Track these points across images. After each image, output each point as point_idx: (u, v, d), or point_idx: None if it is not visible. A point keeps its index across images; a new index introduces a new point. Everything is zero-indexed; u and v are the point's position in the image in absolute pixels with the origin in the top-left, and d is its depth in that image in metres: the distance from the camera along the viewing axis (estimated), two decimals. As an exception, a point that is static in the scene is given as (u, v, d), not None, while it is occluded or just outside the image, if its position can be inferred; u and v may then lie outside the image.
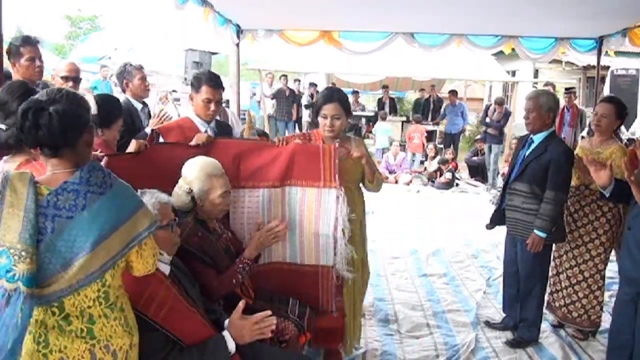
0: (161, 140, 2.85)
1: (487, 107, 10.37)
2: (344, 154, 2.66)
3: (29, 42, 3.04)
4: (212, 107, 2.83)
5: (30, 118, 1.48)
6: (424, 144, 10.86)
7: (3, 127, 1.97)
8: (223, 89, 2.92)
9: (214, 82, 2.84)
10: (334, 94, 2.84)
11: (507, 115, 9.78)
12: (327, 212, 2.55)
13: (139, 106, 3.80)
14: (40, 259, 1.44)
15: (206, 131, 2.87)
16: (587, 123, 7.64)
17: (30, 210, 1.44)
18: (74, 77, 3.41)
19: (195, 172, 2.31)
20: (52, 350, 1.46)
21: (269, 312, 1.96)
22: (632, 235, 2.51)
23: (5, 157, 2.01)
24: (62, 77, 3.36)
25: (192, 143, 2.61)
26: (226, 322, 2.03)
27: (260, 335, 1.93)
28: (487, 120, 9.87)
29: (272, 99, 11.54)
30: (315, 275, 2.62)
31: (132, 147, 2.54)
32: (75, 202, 1.49)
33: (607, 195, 2.58)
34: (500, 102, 10.00)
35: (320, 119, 2.83)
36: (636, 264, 2.45)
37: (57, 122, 1.48)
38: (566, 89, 8.80)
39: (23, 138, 1.53)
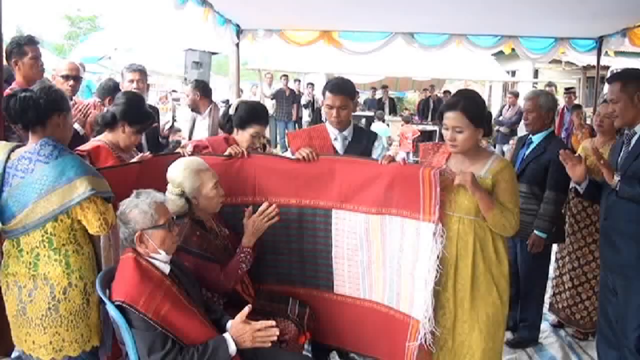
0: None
1: (502, 107, 10.33)
2: (447, 181, 2.25)
3: (33, 41, 3.05)
4: (334, 113, 2.76)
5: (12, 103, 2.02)
6: (414, 144, 10.85)
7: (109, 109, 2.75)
8: (350, 96, 2.79)
9: (335, 88, 2.77)
10: (340, 85, 2.77)
11: (520, 112, 9.75)
12: (425, 251, 2.22)
13: None
14: (4, 204, 2.00)
15: (335, 138, 2.83)
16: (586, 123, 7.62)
17: None
18: (75, 75, 3.42)
19: (182, 173, 2.31)
20: (9, 272, 2.05)
21: (273, 322, 1.94)
22: (610, 224, 2.54)
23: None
24: (62, 76, 3.36)
25: (226, 152, 2.64)
26: (228, 323, 2.03)
27: (261, 344, 1.91)
28: (500, 118, 9.79)
29: (272, 99, 11.54)
30: (405, 327, 2.33)
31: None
32: (27, 167, 1.99)
33: (582, 191, 2.61)
34: (514, 94, 9.92)
35: (326, 109, 2.80)
36: (618, 251, 2.47)
37: (25, 105, 2.00)
38: (566, 89, 8.81)
39: (9, 117, 2.05)
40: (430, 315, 2.20)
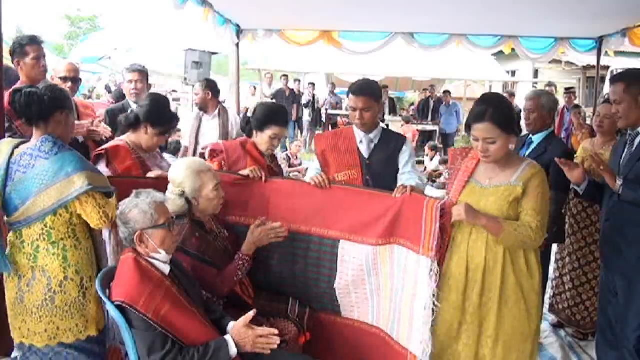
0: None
1: None
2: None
3: (36, 41, 3.04)
4: (357, 115, 2.69)
5: (17, 97, 2.11)
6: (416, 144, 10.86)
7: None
8: (373, 97, 2.71)
9: (357, 89, 2.71)
10: (363, 87, 2.70)
11: (517, 112, 9.74)
12: (423, 285, 2.20)
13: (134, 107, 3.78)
14: (8, 197, 2.10)
15: (361, 141, 2.78)
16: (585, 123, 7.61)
17: (2, 165, 2.09)
18: (73, 77, 3.39)
19: (183, 173, 2.31)
20: (14, 262, 2.12)
21: (275, 331, 1.94)
22: (611, 226, 2.55)
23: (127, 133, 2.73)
24: (60, 78, 3.34)
25: (245, 173, 2.62)
26: (229, 325, 2.02)
27: (261, 351, 1.91)
28: None
29: (272, 99, 11.55)
30: None
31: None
32: (28, 162, 2.09)
33: (581, 192, 2.61)
34: (510, 94, 9.94)
35: (350, 111, 2.75)
36: (619, 253, 2.48)
37: (30, 100, 2.09)
38: (566, 88, 8.81)
39: (14, 111, 2.18)
40: (429, 352, 2.18)
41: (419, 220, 2.22)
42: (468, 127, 2.25)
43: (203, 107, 4.66)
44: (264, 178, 2.61)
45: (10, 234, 2.16)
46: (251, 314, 1.95)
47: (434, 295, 2.16)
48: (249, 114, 2.91)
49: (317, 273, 2.56)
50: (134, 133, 2.70)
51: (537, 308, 2.23)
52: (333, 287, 2.52)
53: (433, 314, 2.17)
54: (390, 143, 2.78)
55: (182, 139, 7.22)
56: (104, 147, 2.67)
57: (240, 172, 2.65)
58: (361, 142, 2.78)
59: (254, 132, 2.87)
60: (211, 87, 4.66)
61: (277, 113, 2.86)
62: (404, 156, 2.75)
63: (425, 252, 2.19)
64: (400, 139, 2.82)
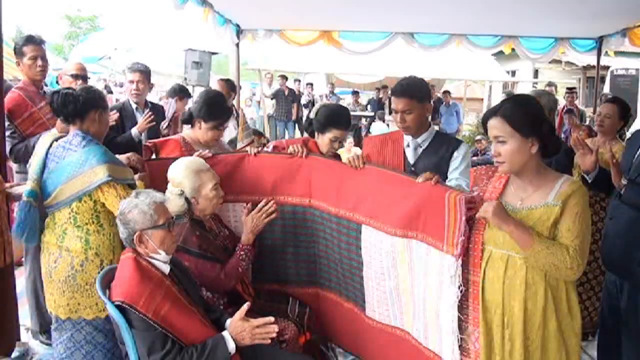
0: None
1: None
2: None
3: (32, 41, 3.07)
4: (398, 118, 2.50)
5: (55, 97, 2.35)
6: None
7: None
8: (416, 98, 2.46)
9: (397, 89, 2.51)
10: (404, 87, 2.47)
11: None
12: (447, 288, 1.99)
13: (134, 106, 3.79)
14: (44, 184, 2.35)
15: (408, 145, 2.57)
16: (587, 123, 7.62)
17: (41, 155, 2.38)
18: (83, 75, 3.48)
19: (182, 172, 2.32)
20: (45, 240, 2.39)
21: (271, 319, 1.93)
22: (615, 224, 2.51)
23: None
24: (71, 75, 3.40)
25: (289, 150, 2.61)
26: (227, 321, 2.03)
27: (260, 341, 1.90)
28: None
29: (271, 99, 11.54)
30: None
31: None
32: (61, 154, 2.34)
33: (590, 180, 2.59)
34: (507, 94, 9.95)
35: (393, 113, 2.57)
36: (623, 252, 2.45)
37: (66, 100, 2.31)
38: (568, 88, 8.80)
39: (52, 110, 2.42)
40: None
41: (441, 213, 2.00)
42: (485, 129, 2.01)
43: None
44: (304, 154, 2.56)
45: (48, 218, 2.42)
46: (245, 307, 1.95)
47: (456, 300, 1.94)
48: (312, 115, 2.89)
49: (349, 259, 2.46)
50: (191, 129, 2.85)
51: (578, 354, 1.92)
52: (362, 276, 2.41)
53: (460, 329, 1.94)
54: (441, 148, 2.51)
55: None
56: (153, 140, 2.92)
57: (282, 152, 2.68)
58: (408, 146, 2.57)
59: (317, 133, 2.80)
60: (228, 86, 4.77)
61: (338, 116, 2.78)
62: (454, 162, 2.48)
63: (449, 250, 1.96)
64: (453, 144, 2.53)
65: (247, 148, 2.72)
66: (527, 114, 1.83)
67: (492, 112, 1.91)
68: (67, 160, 2.31)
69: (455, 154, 2.49)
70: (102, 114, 2.43)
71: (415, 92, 2.44)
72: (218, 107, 2.84)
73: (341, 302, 2.60)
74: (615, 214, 2.51)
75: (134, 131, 3.45)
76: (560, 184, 1.85)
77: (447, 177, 2.44)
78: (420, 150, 2.55)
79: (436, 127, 2.60)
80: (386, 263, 2.28)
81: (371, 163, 2.47)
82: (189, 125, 2.90)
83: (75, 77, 3.40)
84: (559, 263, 1.76)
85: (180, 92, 5.25)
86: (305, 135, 2.99)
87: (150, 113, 3.54)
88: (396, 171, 2.38)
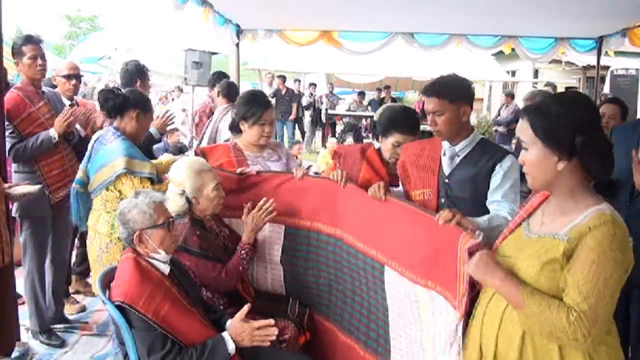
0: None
1: (501, 107, 10.33)
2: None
3: (31, 40, 3.06)
4: (429, 120, 2.18)
5: (99, 93, 2.75)
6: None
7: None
8: (448, 98, 2.13)
9: (428, 88, 2.21)
10: (433, 85, 2.16)
11: (516, 112, 9.69)
12: (447, 344, 1.76)
13: None
14: (88, 173, 2.73)
15: (444, 154, 2.26)
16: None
17: (89, 148, 2.75)
18: (76, 74, 3.47)
19: (184, 172, 2.32)
20: (88, 224, 2.73)
21: (272, 321, 1.93)
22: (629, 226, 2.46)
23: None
24: (64, 76, 3.38)
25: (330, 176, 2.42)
26: (228, 322, 2.02)
27: (260, 343, 1.90)
28: (498, 118, 9.76)
29: (272, 97, 11.52)
30: None
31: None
32: (97, 147, 2.68)
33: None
34: (509, 95, 9.91)
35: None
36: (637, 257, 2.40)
37: (107, 96, 2.68)
38: (566, 88, 8.80)
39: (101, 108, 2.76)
40: None
41: (453, 261, 1.73)
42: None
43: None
44: (342, 184, 2.33)
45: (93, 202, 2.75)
46: (245, 308, 1.95)
47: None
48: (376, 117, 2.76)
49: (375, 299, 2.22)
50: (240, 134, 2.81)
51: None
52: (387, 319, 2.13)
53: None
54: (481, 159, 2.12)
55: (185, 137, 7.22)
56: (204, 146, 3.11)
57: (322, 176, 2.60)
58: (444, 154, 2.25)
59: (379, 137, 2.60)
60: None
61: (401, 118, 2.53)
62: (496, 179, 2.08)
63: (455, 305, 1.74)
64: (498, 155, 2.11)
65: (294, 170, 2.59)
66: (557, 118, 1.38)
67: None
68: (100, 152, 2.64)
69: (498, 167, 2.08)
70: (140, 115, 2.71)
71: (445, 91, 2.11)
72: (251, 101, 2.77)
73: (357, 350, 2.36)
74: (631, 217, 2.45)
75: (153, 130, 3.50)
76: (585, 214, 1.38)
77: (486, 197, 2.10)
78: (457, 160, 2.20)
79: (481, 135, 2.25)
80: (411, 312, 2.01)
81: (392, 194, 2.22)
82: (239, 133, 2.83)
83: (68, 77, 3.40)
84: (556, 330, 1.33)
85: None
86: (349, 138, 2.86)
87: (169, 110, 3.57)
88: (416, 206, 2.09)
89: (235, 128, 2.83)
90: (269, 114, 2.74)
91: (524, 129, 1.45)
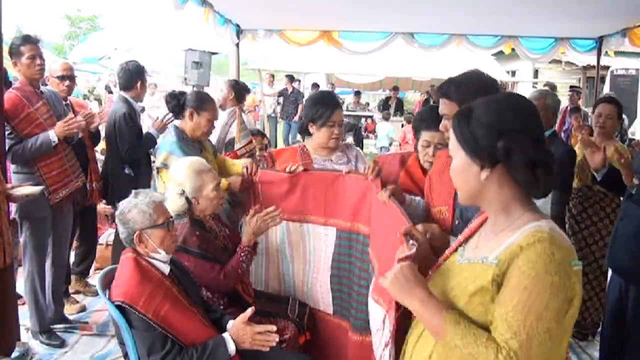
0: None
1: None
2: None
3: (29, 40, 3.05)
4: (442, 123, 1.91)
5: (166, 94, 3.13)
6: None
7: None
8: (456, 99, 1.78)
9: (439, 88, 1.95)
10: (443, 85, 1.86)
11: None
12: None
13: (138, 108, 3.79)
14: None
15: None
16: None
17: None
18: (70, 75, 3.48)
19: (184, 172, 2.32)
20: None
21: (274, 327, 1.92)
22: (625, 225, 2.47)
23: None
24: (58, 77, 3.38)
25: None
26: (229, 323, 2.02)
27: (260, 348, 1.90)
28: None
29: (278, 96, 11.49)
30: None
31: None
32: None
33: (599, 178, 2.56)
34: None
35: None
36: (633, 254, 2.41)
37: (171, 98, 3.01)
38: (572, 86, 8.76)
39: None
40: None
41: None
42: None
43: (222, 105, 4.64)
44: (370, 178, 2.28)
45: None
46: (249, 311, 1.95)
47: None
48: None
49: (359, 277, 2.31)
50: (311, 137, 2.73)
51: None
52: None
53: None
54: None
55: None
56: (272, 150, 3.21)
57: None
58: None
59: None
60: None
61: (425, 115, 2.40)
62: None
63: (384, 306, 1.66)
64: None
65: (343, 168, 2.54)
66: (477, 120, 1.18)
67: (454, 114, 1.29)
68: (160, 144, 3.05)
69: None
70: (193, 114, 2.92)
71: (455, 92, 1.79)
72: (319, 102, 2.67)
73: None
74: (626, 214, 2.46)
75: (153, 131, 3.55)
76: (520, 233, 1.14)
77: None
78: None
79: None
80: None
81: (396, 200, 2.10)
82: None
83: (62, 78, 3.40)
84: None
85: None
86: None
87: (169, 114, 3.58)
88: (402, 211, 1.97)
89: (304, 130, 2.75)
90: (338, 115, 2.65)
91: (450, 136, 1.26)
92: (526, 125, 1.17)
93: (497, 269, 1.12)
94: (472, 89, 1.75)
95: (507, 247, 1.13)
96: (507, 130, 1.14)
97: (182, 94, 3.02)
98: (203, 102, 2.97)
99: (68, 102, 3.47)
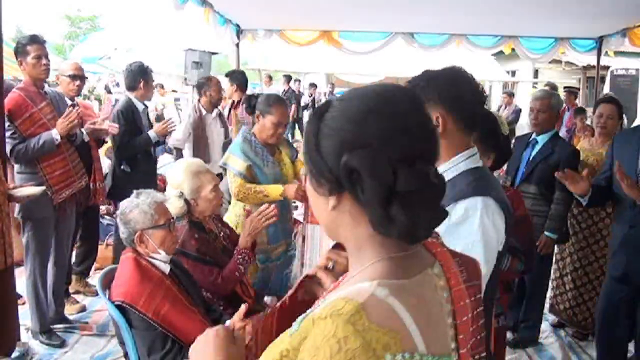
0: None
1: (499, 107, 10.34)
2: None
3: (36, 40, 3.05)
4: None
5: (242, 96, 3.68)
6: None
7: None
8: (432, 98, 1.47)
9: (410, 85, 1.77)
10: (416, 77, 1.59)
11: (516, 111, 9.66)
12: None
13: (140, 107, 3.79)
14: None
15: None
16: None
17: None
18: (80, 75, 3.49)
19: (181, 174, 2.31)
20: None
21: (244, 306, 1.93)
22: (636, 233, 2.46)
23: None
24: (69, 76, 3.40)
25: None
26: (227, 322, 2.02)
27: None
28: None
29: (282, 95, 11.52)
30: None
31: None
32: None
33: (585, 203, 2.58)
34: (509, 94, 9.92)
35: None
36: (636, 260, 2.41)
37: (243, 101, 3.27)
38: (566, 87, 8.78)
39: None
40: None
41: None
42: None
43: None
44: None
45: None
46: (243, 308, 1.94)
47: None
48: None
49: None
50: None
51: None
52: None
53: None
54: (452, 190, 1.33)
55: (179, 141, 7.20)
56: None
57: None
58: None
59: None
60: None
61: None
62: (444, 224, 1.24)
63: None
64: (462, 193, 1.38)
65: None
66: (323, 131, 0.80)
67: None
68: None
69: (456, 208, 1.36)
70: (259, 117, 2.92)
71: (425, 91, 1.49)
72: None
73: None
74: (636, 222, 2.45)
75: (152, 134, 3.55)
76: (337, 294, 0.78)
77: None
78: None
79: (475, 165, 1.45)
80: None
81: None
82: None
83: (73, 77, 3.41)
84: None
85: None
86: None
87: (171, 119, 3.59)
88: None
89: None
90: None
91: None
92: (394, 136, 0.76)
93: (290, 341, 0.75)
94: (431, 86, 1.52)
95: (310, 314, 0.76)
96: (357, 142, 0.76)
97: (256, 96, 3.05)
98: (269, 105, 2.90)
99: (75, 102, 3.48)
